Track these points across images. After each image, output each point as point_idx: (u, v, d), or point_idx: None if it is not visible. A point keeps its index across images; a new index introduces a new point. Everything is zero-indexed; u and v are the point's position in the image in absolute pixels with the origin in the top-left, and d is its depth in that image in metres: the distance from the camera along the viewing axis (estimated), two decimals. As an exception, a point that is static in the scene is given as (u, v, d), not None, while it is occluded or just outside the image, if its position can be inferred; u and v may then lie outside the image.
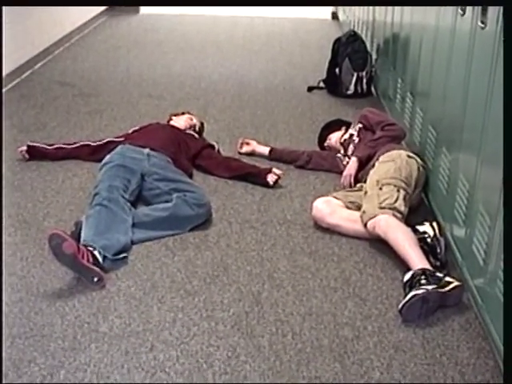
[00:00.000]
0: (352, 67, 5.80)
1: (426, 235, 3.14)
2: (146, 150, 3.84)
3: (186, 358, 2.53)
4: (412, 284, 2.81)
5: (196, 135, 4.40)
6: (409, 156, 3.64)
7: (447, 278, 2.83)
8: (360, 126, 4.09)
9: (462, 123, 3.08)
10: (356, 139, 4.04)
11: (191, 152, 4.16)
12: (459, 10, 3.14)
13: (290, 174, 4.18)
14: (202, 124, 4.62)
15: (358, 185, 3.74)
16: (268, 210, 3.74)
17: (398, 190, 3.37)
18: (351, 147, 4.04)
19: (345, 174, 3.89)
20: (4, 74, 5.82)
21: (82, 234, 3.13)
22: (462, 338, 2.67)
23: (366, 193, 3.45)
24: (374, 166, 3.67)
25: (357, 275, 3.11)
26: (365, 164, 3.82)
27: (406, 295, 2.78)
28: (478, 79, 2.88)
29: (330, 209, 3.47)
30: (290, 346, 2.61)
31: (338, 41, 6.00)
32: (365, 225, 3.28)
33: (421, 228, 3.19)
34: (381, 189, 3.38)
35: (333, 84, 5.93)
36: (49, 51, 7.14)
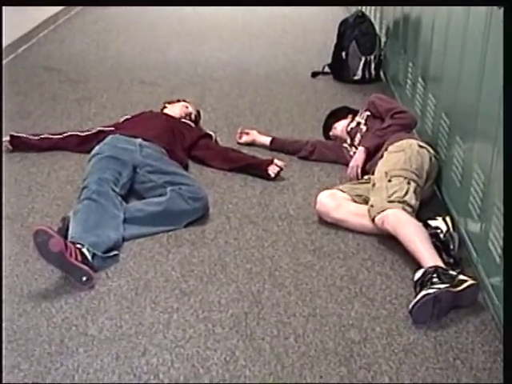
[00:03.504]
0: (359, 51, 5.80)
1: (439, 230, 3.15)
2: (139, 141, 3.84)
3: (181, 363, 2.53)
4: (423, 283, 2.81)
5: (192, 124, 4.40)
6: (420, 146, 3.64)
7: (461, 277, 2.84)
8: (368, 113, 4.09)
9: (477, 110, 3.08)
10: (363, 128, 4.04)
11: (187, 142, 4.16)
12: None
13: (293, 166, 4.19)
14: (198, 112, 4.62)
15: (366, 177, 3.74)
16: (269, 204, 3.74)
17: (409, 183, 3.37)
18: (358, 136, 4.04)
19: (351, 165, 3.89)
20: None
21: (70, 231, 3.14)
22: (477, 341, 2.67)
23: (373, 185, 3.45)
24: (382, 156, 3.67)
25: (364, 273, 3.11)
26: (373, 154, 3.82)
27: (416, 295, 2.78)
28: (494, 63, 2.87)
29: (335, 202, 3.47)
30: (293, 349, 2.61)
31: (344, 22, 5.99)
32: (373, 219, 3.28)
33: (433, 223, 3.19)
34: (390, 181, 3.38)
35: (339, 69, 5.93)
36: (33, 34, 7.13)
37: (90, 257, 3.01)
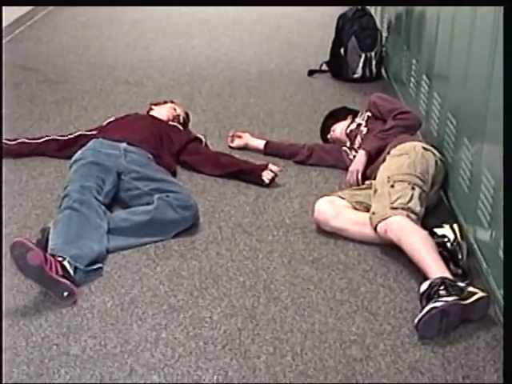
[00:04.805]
0: (359, 47, 5.81)
1: (446, 239, 3.15)
2: (123, 145, 3.85)
3: (170, 384, 2.54)
4: (430, 295, 2.81)
5: (180, 127, 4.40)
6: (425, 148, 3.65)
7: (470, 289, 2.84)
8: (368, 114, 4.10)
9: (486, 110, 3.08)
10: (364, 130, 4.05)
11: (175, 146, 4.16)
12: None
13: (289, 171, 4.19)
14: (186, 114, 4.62)
15: (367, 182, 3.75)
16: (263, 213, 3.74)
17: (413, 188, 3.38)
18: (358, 139, 4.04)
19: (351, 169, 3.90)
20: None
21: (50, 242, 3.13)
22: (489, 358, 2.67)
23: (375, 191, 3.46)
24: (384, 160, 3.67)
25: (366, 286, 3.12)
26: (374, 158, 3.83)
27: (422, 308, 2.79)
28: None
29: (334, 210, 3.48)
30: (290, 367, 2.61)
31: (342, 16, 6.00)
32: (375, 228, 3.29)
33: (439, 231, 3.20)
34: (393, 186, 3.38)
35: (337, 67, 5.94)
36: (8, 30, 7.12)
37: (71, 270, 3.01)
